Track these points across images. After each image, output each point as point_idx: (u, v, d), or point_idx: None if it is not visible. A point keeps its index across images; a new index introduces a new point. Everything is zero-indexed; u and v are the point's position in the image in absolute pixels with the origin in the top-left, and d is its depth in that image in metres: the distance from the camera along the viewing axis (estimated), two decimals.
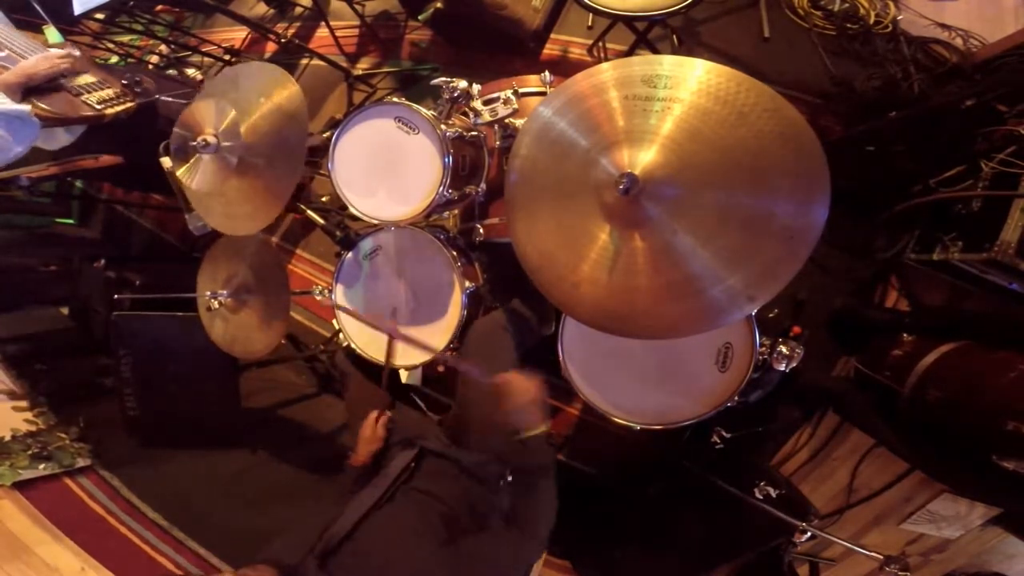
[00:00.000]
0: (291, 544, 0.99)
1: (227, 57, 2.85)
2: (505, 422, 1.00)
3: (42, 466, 1.88)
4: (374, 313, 1.51)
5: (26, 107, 1.49)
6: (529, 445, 1.00)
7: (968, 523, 1.66)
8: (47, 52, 1.65)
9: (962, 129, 1.44)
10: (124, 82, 1.80)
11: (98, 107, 1.67)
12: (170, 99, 1.84)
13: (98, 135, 1.80)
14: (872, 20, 1.90)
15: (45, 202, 3.07)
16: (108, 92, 1.73)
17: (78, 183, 3.16)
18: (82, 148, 1.83)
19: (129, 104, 1.76)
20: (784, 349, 1.10)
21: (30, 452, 1.90)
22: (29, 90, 1.55)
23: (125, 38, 3.14)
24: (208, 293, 1.54)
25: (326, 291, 1.57)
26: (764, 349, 1.11)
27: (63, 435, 2.03)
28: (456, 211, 1.63)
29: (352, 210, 1.38)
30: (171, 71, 2.90)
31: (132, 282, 2.14)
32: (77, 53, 1.72)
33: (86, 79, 1.71)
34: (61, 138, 1.76)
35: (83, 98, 1.66)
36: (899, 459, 1.64)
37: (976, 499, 1.60)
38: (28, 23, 1.96)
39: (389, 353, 1.39)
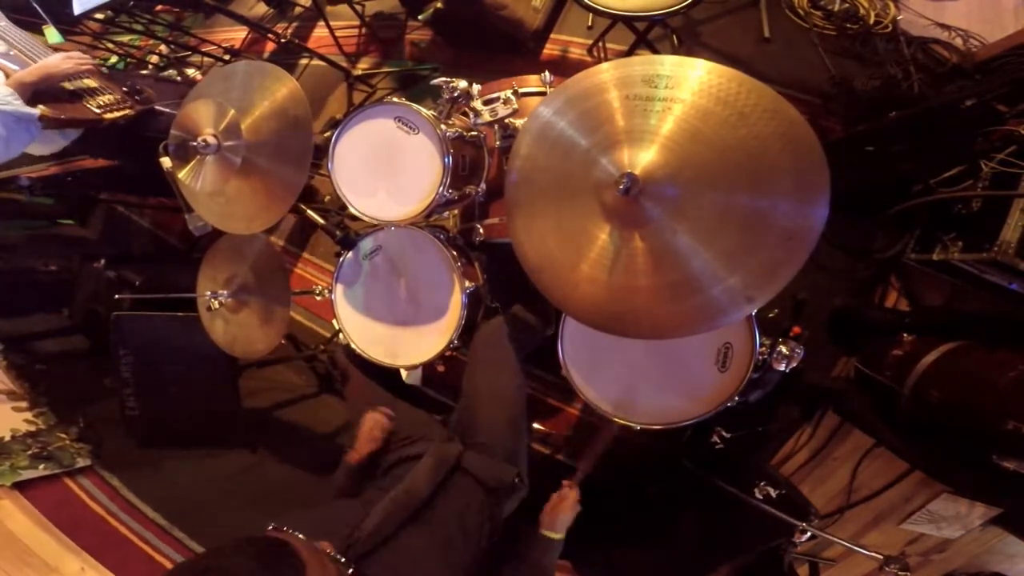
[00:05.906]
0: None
1: (227, 57, 2.85)
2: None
3: (42, 466, 1.88)
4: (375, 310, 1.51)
5: (35, 111, 1.45)
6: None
7: (968, 523, 1.66)
8: (70, 53, 1.61)
9: (962, 129, 1.44)
10: (124, 89, 1.78)
11: (97, 111, 1.65)
12: (168, 109, 1.83)
13: (93, 140, 1.78)
14: (872, 20, 1.91)
15: (45, 203, 3.07)
16: (108, 97, 1.71)
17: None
18: (75, 153, 1.82)
19: (128, 111, 1.74)
20: (784, 349, 1.10)
21: (30, 452, 1.90)
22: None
23: (125, 38, 3.15)
24: (208, 293, 1.54)
25: (326, 291, 1.57)
26: (764, 349, 1.10)
27: (63, 435, 2.03)
28: (456, 211, 1.63)
29: (352, 210, 1.38)
30: (171, 71, 2.90)
31: (132, 282, 2.14)
32: (93, 62, 1.71)
33: (87, 83, 1.69)
34: (55, 142, 1.74)
35: (84, 102, 1.65)
36: (899, 459, 1.64)
37: (976, 499, 1.60)
38: (28, 23, 1.95)
39: None
